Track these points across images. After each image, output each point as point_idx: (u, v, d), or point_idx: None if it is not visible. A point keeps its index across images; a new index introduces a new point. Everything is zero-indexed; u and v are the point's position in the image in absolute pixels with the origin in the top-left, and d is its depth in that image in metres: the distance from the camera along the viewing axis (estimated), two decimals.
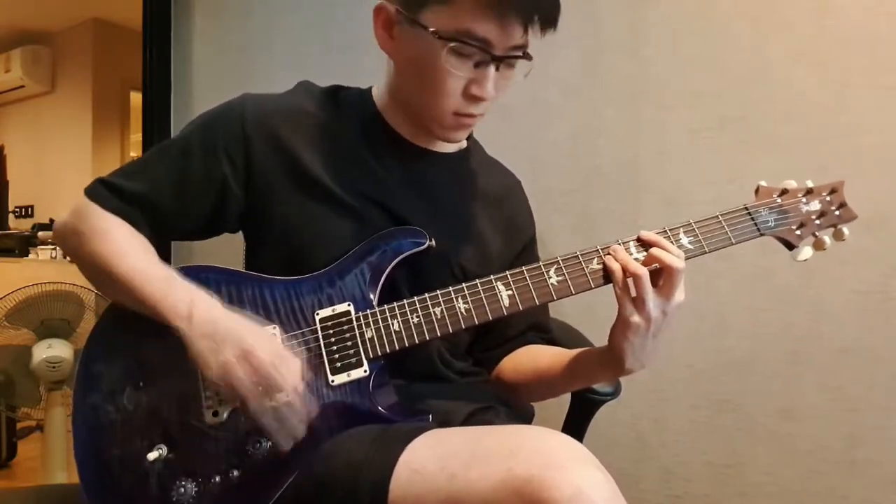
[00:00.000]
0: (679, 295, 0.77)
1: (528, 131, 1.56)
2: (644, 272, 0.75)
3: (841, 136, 1.24)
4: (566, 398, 1.03)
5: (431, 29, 0.78)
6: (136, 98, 4.32)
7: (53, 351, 2.16)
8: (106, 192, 0.85)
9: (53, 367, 2.15)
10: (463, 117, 0.84)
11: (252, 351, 0.71)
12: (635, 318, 0.76)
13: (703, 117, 1.37)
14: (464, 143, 0.99)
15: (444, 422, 0.80)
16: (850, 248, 1.24)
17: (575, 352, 0.89)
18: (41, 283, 2.18)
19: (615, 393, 1.01)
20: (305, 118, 0.89)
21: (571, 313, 1.20)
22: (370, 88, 0.95)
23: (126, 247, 0.81)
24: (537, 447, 0.62)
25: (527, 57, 0.83)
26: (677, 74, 1.40)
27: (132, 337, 0.81)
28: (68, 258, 2.97)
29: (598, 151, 1.48)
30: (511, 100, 1.57)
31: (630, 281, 0.76)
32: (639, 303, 0.76)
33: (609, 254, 0.79)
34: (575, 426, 1.03)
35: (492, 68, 0.80)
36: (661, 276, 0.76)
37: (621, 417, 1.45)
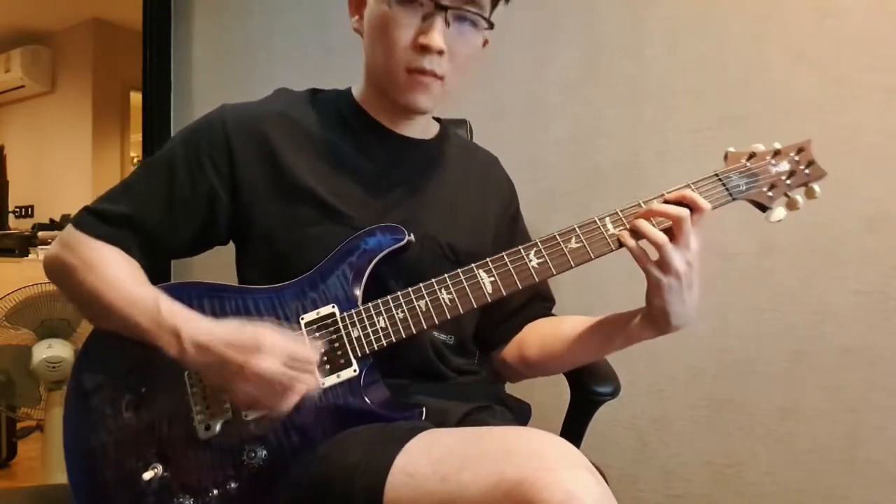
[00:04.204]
0: (695, 242, 0.77)
1: (529, 131, 1.56)
2: (664, 239, 0.76)
3: (841, 136, 1.24)
4: (566, 397, 1.03)
5: None
6: (136, 98, 4.32)
7: (53, 351, 2.16)
8: (92, 220, 0.84)
9: (53, 367, 2.15)
10: (417, 74, 0.84)
11: (248, 365, 0.71)
12: (666, 280, 0.76)
13: (704, 117, 1.37)
14: (437, 128, 1.00)
15: (440, 422, 0.80)
16: (850, 249, 1.25)
17: (605, 318, 0.89)
18: (41, 283, 2.17)
19: (615, 393, 1.01)
20: (285, 122, 0.89)
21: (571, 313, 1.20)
22: (349, 88, 0.96)
23: (113, 275, 0.79)
24: (529, 450, 0.62)
25: (486, 21, 0.85)
26: (678, 74, 1.40)
27: (119, 359, 0.81)
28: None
29: (598, 151, 1.48)
30: (511, 100, 1.58)
31: (647, 245, 0.77)
32: (664, 265, 0.76)
33: (624, 228, 0.80)
34: (575, 426, 1.02)
35: (439, 19, 0.81)
36: (672, 231, 0.77)
37: (621, 417, 1.45)
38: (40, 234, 3.39)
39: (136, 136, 3.06)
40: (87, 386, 0.81)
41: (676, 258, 0.76)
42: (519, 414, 0.96)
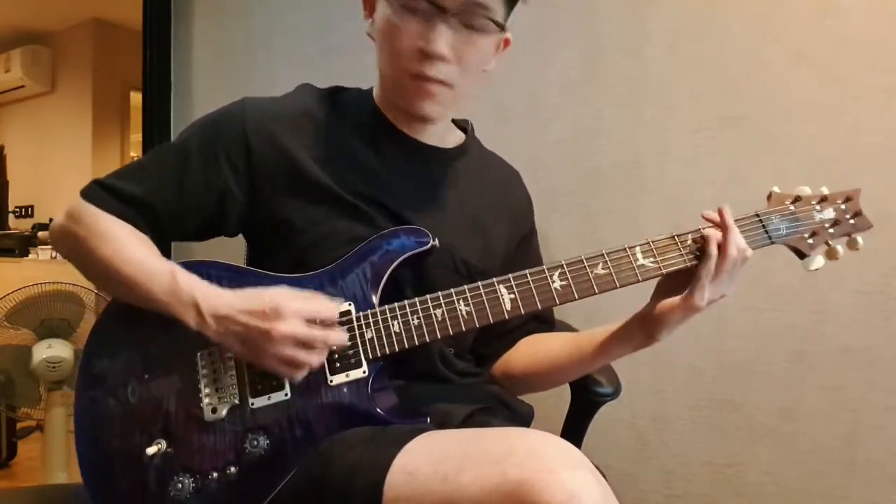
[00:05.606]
0: (736, 281, 0.80)
1: (529, 131, 1.56)
2: (741, 249, 0.78)
3: (841, 136, 1.24)
4: (567, 397, 1.03)
5: None
6: (136, 98, 4.32)
7: (53, 351, 2.16)
8: (104, 194, 0.84)
9: (53, 367, 2.15)
10: (420, 81, 0.82)
11: (274, 330, 0.72)
12: (702, 304, 0.77)
13: (704, 117, 1.37)
14: (460, 138, 0.99)
15: (443, 423, 0.80)
16: None
17: (590, 334, 0.89)
18: (41, 283, 2.18)
19: (615, 393, 1.01)
20: (306, 120, 0.89)
21: (574, 314, 1.20)
22: (371, 88, 0.96)
23: (127, 246, 0.80)
24: (530, 450, 0.62)
25: (496, 24, 0.82)
26: (678, 74, 1.40)
27: (133, 334, 0.82)
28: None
29: (598, 151, 1.48)
30: (511, 100, 1.58)
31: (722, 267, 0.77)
32: (717, 289, 0.78)
33: (704, 234, 0.79)
34: (575, 426, 1.03)
35: (441, 24, 0.79)
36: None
37: (621, 417, 1.45)
38: (40, 234, 3.39)
39: (136, 136, 3.06)
40: (100, 357, 0.82)
41: (730, 284, 0.78)
42: (521, 414, 0.95)
